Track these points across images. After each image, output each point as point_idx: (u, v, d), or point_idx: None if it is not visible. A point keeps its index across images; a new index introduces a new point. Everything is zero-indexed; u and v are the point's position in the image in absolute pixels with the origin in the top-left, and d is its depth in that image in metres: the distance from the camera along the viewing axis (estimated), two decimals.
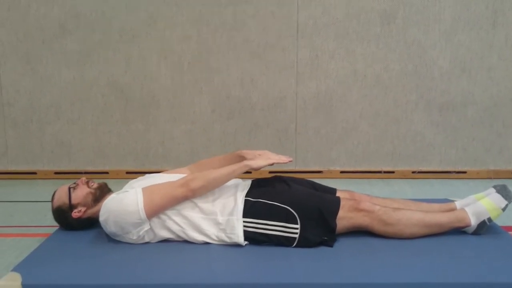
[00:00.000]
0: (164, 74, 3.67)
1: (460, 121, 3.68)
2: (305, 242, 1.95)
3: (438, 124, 3.69)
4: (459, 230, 2.10)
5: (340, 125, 3.71)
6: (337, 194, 2.18)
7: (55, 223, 2.26)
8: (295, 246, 1.97)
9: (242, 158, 2.15)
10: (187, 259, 1.91)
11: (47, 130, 3.76)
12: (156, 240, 2.05)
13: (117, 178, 3.71)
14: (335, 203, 2.00)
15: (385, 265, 1.82)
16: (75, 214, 2.12)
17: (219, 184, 2.05)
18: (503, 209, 2.04)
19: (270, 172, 3.39)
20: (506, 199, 2.05)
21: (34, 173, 3.81)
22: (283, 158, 2.09)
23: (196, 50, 3.63)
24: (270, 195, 2.04)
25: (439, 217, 2.06)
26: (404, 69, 3.61)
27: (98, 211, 2.07)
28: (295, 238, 1.96)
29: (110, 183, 3.56)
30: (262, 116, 3.71)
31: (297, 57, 3.62)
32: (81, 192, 2.14)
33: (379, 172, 3.75)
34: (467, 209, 2.07)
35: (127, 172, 3.72)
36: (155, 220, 2.00)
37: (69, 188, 2.15)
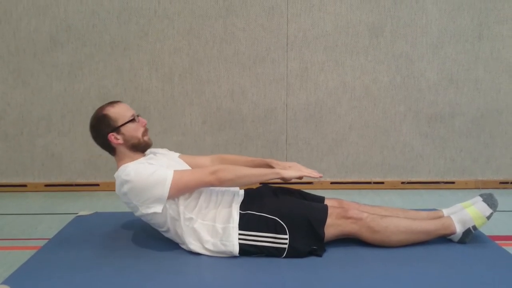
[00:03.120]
0: (155, 86, 3.70)
1: (448, 132, 3.73)
2: (294, 252, 1.97)
3: (427, 135, 3.74)
4: (446, 239, 2.12)
5: (330, 136, 3.75)
6: (326, 202, 2.20)
7: (46, 236, 2.25)
8: (285, 257, 1.98)
9: (269, 167, 2.16)
10: (179, 271, 1.91)
11: (38, 143, 3.75)
12: (153, 221, 2.05)
13: (108, 190, 3.71)
14: (323, 212, 2.02)
15: (374, 275, 1.84)
16: (111, 137, 2.05)
17: (246, 183, 2.06)
18: (488, 218, 2.07)
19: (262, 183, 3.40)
20: (491, 207, 2.08)
21: (25, 185, 3.79)
22: (315, 173, 2.08)
23: (187, 63, 3.66)
24: (258, 206, 2.05)
25: (426, 225, 2.08)
26: (393, 81, 3.67)
27: (124, 154, 2.07)
28: (284, 248, 1.97)
29: (101, 196, 3.62)
30: (253, 127, 3.73)
31: (287, 69, 3.66)
32: (134, 131, 2.08)
33: (369, 182, 3.78)
34: (453, 216, 2.10)
35: None
36: (166, 206, 1.99)
37: (133, 117, 2.09)
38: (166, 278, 1.85)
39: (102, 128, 2.07)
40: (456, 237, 2.10)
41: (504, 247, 2.12)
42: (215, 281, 1.86)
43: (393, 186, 3.77)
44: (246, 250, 1.99)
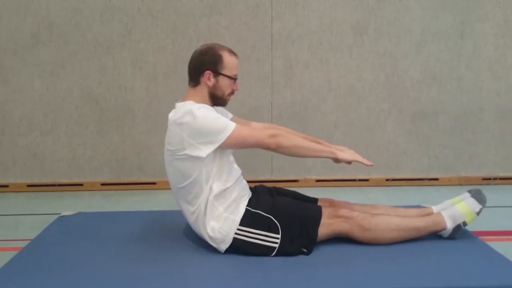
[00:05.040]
0: (139, 85, 3.67)
1: (432, 130, 3.77)
2: (284, 252, 1.97)
3: (411, 132, 3.77)
4: (435, 235, 2.14)
5: (315, 134, 3.71)
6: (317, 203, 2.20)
7: (28, 237, 2.21)
8: (273, 256, 1.97)
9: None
10: (165, 270, 1.90)
11: (20, 142, 3.70)
12: (181, 167, 1.99)
13: (92, 190, 3.67)
14: (317, 213, 2.01)
15: (361, 273, 1.84)
16: (207, 74, 2.02)
17: (301, 155, 2.04)
18: (478, 213, 2.10)
19: (248, 181, 3.39)
20: (480, 203, 2.10)
21: (6, 186, 3.73)
22: (366, 161, 2.07)
23: (171, 61, 3.64)
24: (254, 203, 2.05)
25: (417, 222, 2.10)
26: (377, 79, 3.69)
27: (201, 94, 2.04)
28: (274, 247, 1.97)
29: (85, 196, 3.58)
30: None
31: (272, 67, 3.67)
32: (225, 87, 2.06)
33: (354, 180, 3.80)
34: (443, 213, 2.12)
35: (102, 184, 3.68)
36: (205, 161, 1.95)
37: (235, 77, 2.07)
38: (152, 278, 1.84)
39: (208, 61, 2.04)
40: (446, 233, 2.12)
41: (487, 242, 2.15)
42: (203, 279, 1.85)
43: (378, 183, 3.80)
44: (235, 245, 1.98)
